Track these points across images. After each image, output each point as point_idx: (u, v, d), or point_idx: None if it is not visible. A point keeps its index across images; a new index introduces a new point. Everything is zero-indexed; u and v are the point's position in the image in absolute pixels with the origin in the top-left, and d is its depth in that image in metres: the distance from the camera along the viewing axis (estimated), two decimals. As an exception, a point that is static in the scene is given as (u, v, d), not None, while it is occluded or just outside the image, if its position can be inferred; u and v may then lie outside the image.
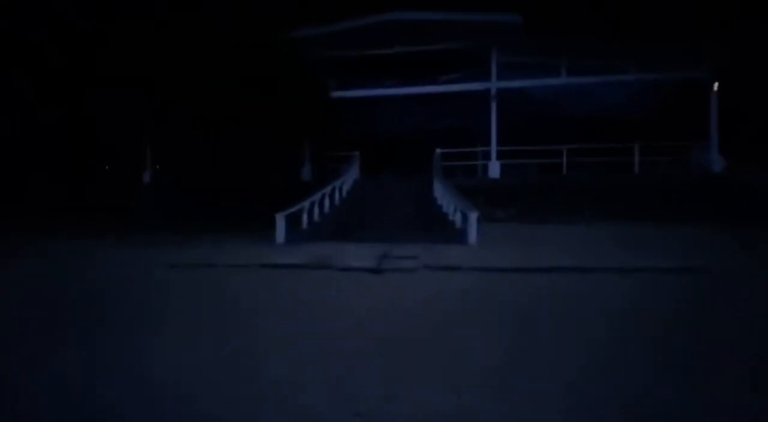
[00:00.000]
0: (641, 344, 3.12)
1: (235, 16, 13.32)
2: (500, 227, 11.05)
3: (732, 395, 2.30)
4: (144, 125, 15.18)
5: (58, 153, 15.43)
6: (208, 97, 14.13)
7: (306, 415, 2.11)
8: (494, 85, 13.89)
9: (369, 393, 2.31)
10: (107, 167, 17.37)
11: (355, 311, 4.09)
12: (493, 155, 13.57)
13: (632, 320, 3.75)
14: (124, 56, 12.96)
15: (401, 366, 2.72)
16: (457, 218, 9.91)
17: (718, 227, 9.87)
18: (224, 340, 3.24)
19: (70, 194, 15.22)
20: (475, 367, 2.68)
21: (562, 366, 2.67)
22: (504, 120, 13.62)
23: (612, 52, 12.61)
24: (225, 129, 14.67)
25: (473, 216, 8.84)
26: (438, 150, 13.91)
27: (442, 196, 11.47)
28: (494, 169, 13.43)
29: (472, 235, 8.76)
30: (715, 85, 12.27)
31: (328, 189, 11.76)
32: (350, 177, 13.82)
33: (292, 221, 10.10)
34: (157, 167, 16.78)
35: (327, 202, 11.62)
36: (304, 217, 10.49)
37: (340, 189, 12.63)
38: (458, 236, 9.11)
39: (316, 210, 11.00)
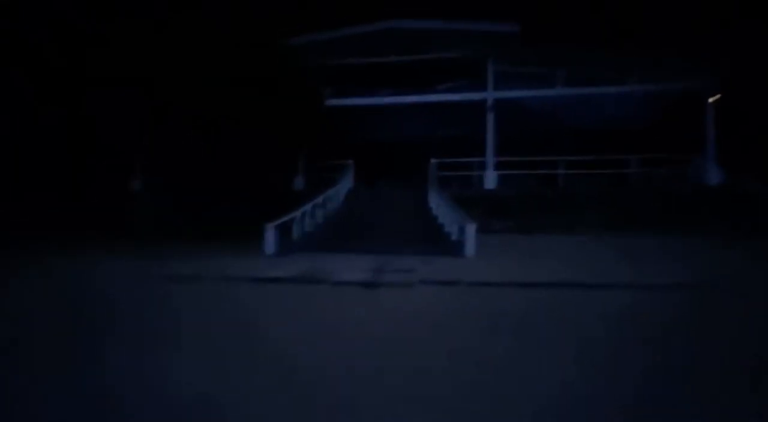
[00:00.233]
0: (659, 372, 2.82)
1: (229, 25, 13.12)
2: (497, 238, 10.79)
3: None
4: (143, 128, 14.84)
5: (57, 155, 14.99)
6: (202, 104, 13.85)
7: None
8: (491, 95, 13.77)
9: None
10: (106, 170, 16.90)
11: (345, 336, 3.74)
12: (490, 165, 13.38)
13: (646, 344, 3.46)
14: (124, 56, 12.66)
15: (394, 410, 2.39)
16: (454, 230, 9.63)
17: (718, 238, 9.70)
18: (179, 369, 2.88)
19: (69, 197, 14.73)
20: (482, 404, 2.36)
21: (583, 403, 2.36)
22: (501, 130, 13.47)
23: (610, 62, 12.57)
24: (218, 137, 14.37)
25: (471, 228, 8.57)
26: (434, 160, 13.70)
27: (438, 206, 11.21)
28: (491, 179, 13.22)
29: (470, 247, 8.47)
30: (712, 97, 12.23)
31: (320, 198, 11.45)
32: (344, 186, 13.54)
33: (284, 232, 9.76)
34: (151, 172, 16.38)
35: (320, 212, 11.30)
36: (296, 227, 10.16)
37: (334, 198, 12.32)
38: (455, 248, 8.82)
39: (308, 220, 10.67)
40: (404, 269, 6.94)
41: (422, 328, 3.90)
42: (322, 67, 14.03)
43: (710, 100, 11.98)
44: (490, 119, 13.69)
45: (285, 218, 9.88)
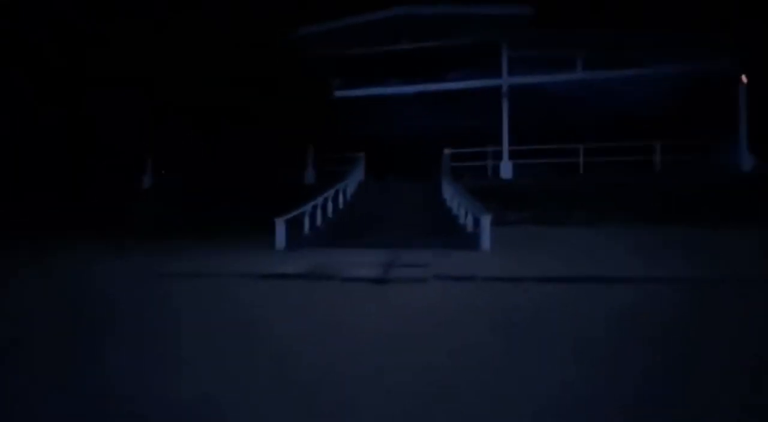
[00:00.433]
0: (699, 375, 2.49)
1: (235, 15, 12.91)
2: (513, 230, 10.39)
3: None
4: (145, 127, 14.86)
5: (57, 155, 15.14)
6: (209, 98, 13.73)
7: None
8: (506, 81, 13.25)
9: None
10: (108, 170, 17.06)
11: (350, 337, 3.49)
12: (505, 154, 12.91)
13: (681, 343, 3.11)
14: (125, 56, 12.63)
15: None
16: (468, 222, 9.29)
17: (750, 229, 9.10)
18: (174, 370, 2.67)
19: (69, 197, 14.90)
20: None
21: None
22: (516, 118, 12.96)
23: (632, 43, 11.89)
24: (226, 131, 14.25)
25: (486, 220, 8.21)
26: (447, 150, 13.30)
27: (452, 198, 10.86)
28: (506, 169, 12.77)
29: (485, 240, 8.13)
30: (744, 78, 11.48)
31: (331, 192, 11.21)
32: (355, 179, 13.28)
33: (294, 226, 9.57)
34: (159, 170, 16.43)
35: (330, 205, 11.07)
36: (306, 221, 9.95)
37: (344, 192, 12.08)
38: (470, 241, 8.48)
39: (319, 214, 10.46)
40: (417, 263, 6.66)
41: (433, 328, 3.62)
42: (329, 58, 13.72)
43: (743, 80, 11.25)
44: (505, 106, 13.19)
45: (295, 213, 9.69)
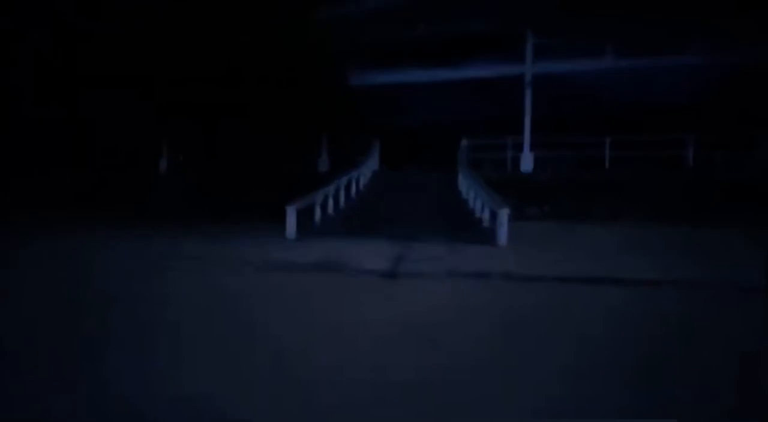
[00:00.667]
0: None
1: (249, 1, 12.61)
2: (533, 226, 9.95)
3: None
4: (162, 113, 14.83)
5: (76, 141, 15.30)
6: (224, 84, 13.57)
7: None
8: (529, 69, 12.61)
9: None
10: (127, 154, 17.19)
11: (348, 336, 3.21)
12: (526, 146, 12.35)
13: (720, 359, 2.73)
14: (142, 40, 12.53)
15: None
16: (485, 216, 8.90)
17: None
18: (152, 361, 2.44)
19: (87, 181, 15.03)
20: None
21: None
22: (539, 108, 12.35)
23: (667, 29, 11.08)
24: (241, 117, 14.11)
25: (504, 214, 7.80)
26: (464, 140, 12.83)
27: (468, 190, 10.45)
28: (527, 161, 12.22)
29: (502, 235, 7.73)
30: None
31: (344, 180, 10.94)
32: (369, 168, 12.97)
33: (305, 214, 9.36)
34: (175, 156, 16.43)
35: (342, 194, 10.81)
36: (317, 210, 9.72)
37: (357, 181, 11.80)
38: (486, 235, 8.10)
39: (331, 203, 10.21)
40: (429, 257, 6.35)
41: (441, 331, 3.31)
42: (345, 44, 13.30)
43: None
44: (528, 95, 12.57)
45: (306, 201, 9.46)
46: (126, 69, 12.46)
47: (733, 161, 10.85)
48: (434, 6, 13.15)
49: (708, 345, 3.08)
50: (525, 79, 12.69)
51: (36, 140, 14.70)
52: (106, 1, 12.71)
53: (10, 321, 3.49)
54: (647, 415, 2.02)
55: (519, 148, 12.45)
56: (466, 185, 10.76)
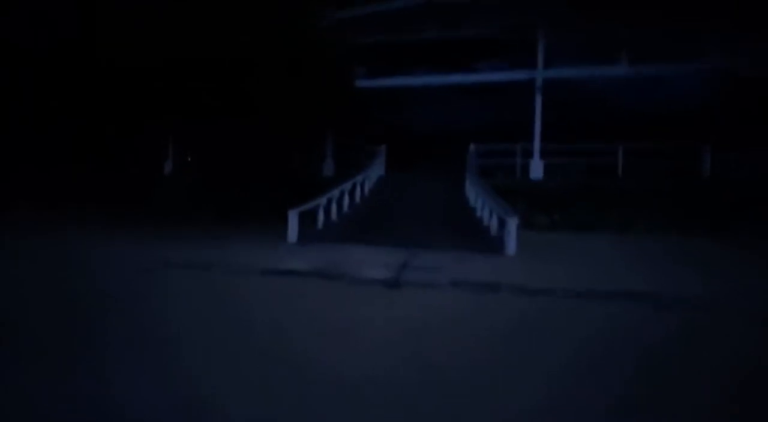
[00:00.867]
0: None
1: (255, 3, 12.54)
2: (542, 236, 9.63)
3: None
4: (167, 114, 14.79)
5: (79, 143, 15.30)
6: (229, 86, 13.48)
7: None
8: (541, 74, 12.34)
9: None
10: (134, 154, 17.16)
11: (345, 349, 2.96)
12: (536, 153, 12.05)
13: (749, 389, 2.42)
14: (146, 40, 12.49)
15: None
16: (493, 224, 8.60)
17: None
18: (130, 369, 2.21)
19: (89, 181, 15.00)
20: None
21: None
22: (550, 114, 12.06)
23: (686, 34, 10.75)
24: (246, 120, 14.00)
25: (512, 222, 7.51)
26: (472, 146, 12.57)
27: (476, 197, 10.18)
28: (537, 169, 11.91)
29: (511, 244, 7.43)
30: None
31: (348, 185, 10.73)
32: (374, 173, 12.76)
33: (308, 219, 9.16)
34: (180, 157, 16.39)
35: (347, 199, 10.60)
36: (320, 215, 9.52)
37: (362, 186, 11.58)
38: (494, 244, 7.81)
39: (334, 208, 10.00)
40: (433, 266, 6.08)
41: (443, 349, 3.04)
42: (353, 46, 13.16)
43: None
44: (539, 101, 12.29)
45: (309, 205, 9.26)
46: (131, 66, 12.41)
47: (751, 170, 10.45)
48: (445, 9, 12.97)
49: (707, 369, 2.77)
50: (536, 85, 12.43)
51: (39, 137, 14.71)
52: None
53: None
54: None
55: (529, 154, 12.16)
56: (473, 192, 10.49)
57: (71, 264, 6.04)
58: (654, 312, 4.26)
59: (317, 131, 13.67)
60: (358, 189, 11.32)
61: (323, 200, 9.64)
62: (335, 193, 10.13)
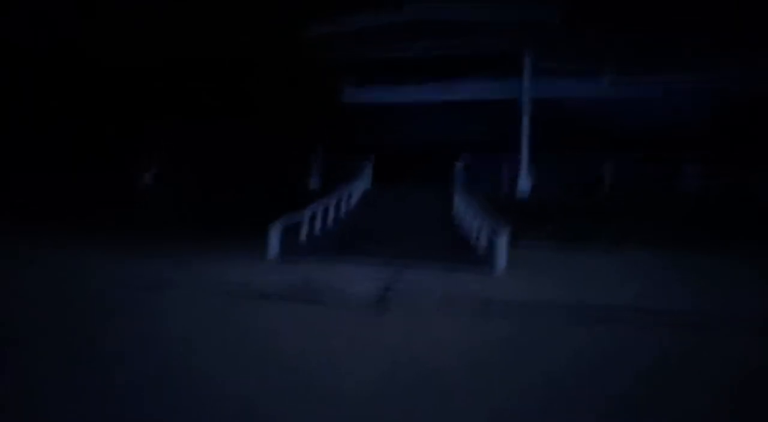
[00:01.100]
0: None
1: (241, 13, 12.36)
2: (531, 252, 9.40)
3: None
4: (146, 125, 14.36)
5: (57, 151, 14.67)
6: (214, 98, 13.18)
7: None
8: (527, 91, 12.35)
9: None
10: (111, 165, 16.52)
11: (323, 392, 2.60)
12: (524, 168, 11.96)
13: None
14: (127, 49, 12.16)
15: None
16: (482, 239, 8.36)
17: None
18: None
19: (66, 192, 14.33)
20: None
21: None
22: (538, 129, 12.04)
23: (668, 52, 10.92)
24: (231, 132, 13.66)
25: (502, 238, 7.28)
26: (460, 160, 12.42)
27: (464, 212, 9.95)
28: (524, 184, 11.80)
29: (501, 261, 7.18)
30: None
31: (333, 199, 10.41)
32: (360, 187, 12.48)
33: (291, 233, 8.77)
34: (161, 168, 15.85)
35: (332, 213, 10.26)
36: (304, 229, 9.15)
37: (348, 200, 11.27)
38: (483, 261, 7.54)
39: (318, 222, 9.64)
40: (421, 286, 5.77)
41: (431, 384, 2.71)
42: (340, 61, 13.04)
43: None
44: (526, 116, 12.27)
45: (293, 219, 8.89)
46: (124, 66, 12.05)
47: (738, 185, 10.50)
48: (432, 27, 12.99)
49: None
50: (522, 100, 12.42)
51: (37, 138, 14.05)
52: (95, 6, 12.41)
53: None
54: None
55: (517, 168, 12.06)
56: (461, 206, 10.28)
57: (17, 282, 5.53)
58: (646, 334, 4.01)
59: (304, 143, 13.39)
60: (344, 203, 11.00)
61: (307, 214, 9.30)
62: (319, 207, 9.79)
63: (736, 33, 10.37)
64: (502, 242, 7.25)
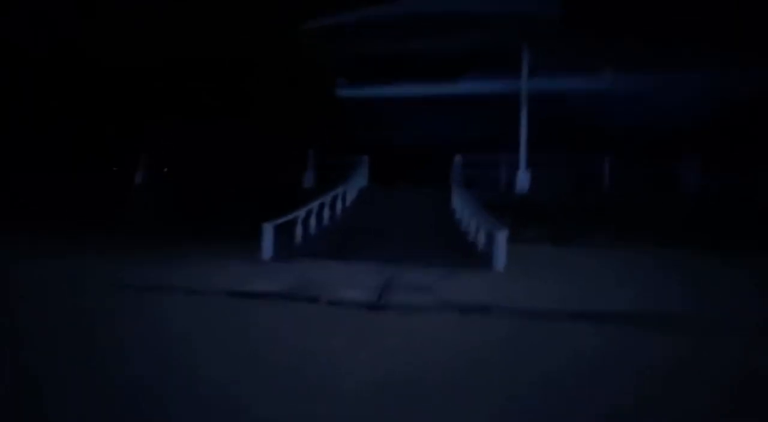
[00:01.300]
0: None
1: (235, 9, 12.15)
2: (529, 249, 9.25)
3: None
4: (140, 124, 14.14)
5: (56, 151, 14.43)
6: (206, 95, 12.99)
7: None
8: (525, 86, 12.18)
9: None
10: (103, 163, 16.22)
11: (320, 392, 2.44)
12: (522, 165, 11.80)
13: None
14: (122, 49, 11.97)
15: None
16: (480, 238, 8.20)
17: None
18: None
19: (65, 192, 14.06)
20: None
21: None
22: (536, 125, 11.87)
23: (670, 48, 10.77)
24: (224, 129, 13.46)
25: (501, 236, 7.13)
26: (458, 157, 12.26)
27: (462, 210, 9.80)
28: (523, 181, 11.64)
29: (500, 259, 7.03)
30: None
31: (328, 197, 10.22)
32: (356, 184, 12.28)
33: (285, 233, 8.59)
34: (153, 167, 15.60)
35: (327, 212, 10.07)
36: (298, 229, 8.96)
37: (344, 198, 11.08)
38: (482, 260, 7.39)
39: (313, 221, 9.46)
40: (419, 285, 5.61)
41: (429, 389, 2.55)
42: (335, 55, 12.84)
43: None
44: (524, 112, 12.11)
45: (286, 218, 8.70)
46: (121, 66, 11.87)
47: (740, 184, 10.38)
48: (430, 21, 12.79)
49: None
50: (521, 96, 12.26)
51: (36, 138, 13.80)
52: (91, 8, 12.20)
53: None
54: None
55: (515, 166, 11.91)
56: (459, 204, 10.12)
57: (14, 284, 5.33)
58: (646, 334, 3.87)
59: (298, 140, 13.19)
60: (339, 201, 10.81)
61: (302, 213, 9.11)
62: (314, 205, 9.60)
63: (736, 33, 10.25)
64: (501, 241, 7.10)
